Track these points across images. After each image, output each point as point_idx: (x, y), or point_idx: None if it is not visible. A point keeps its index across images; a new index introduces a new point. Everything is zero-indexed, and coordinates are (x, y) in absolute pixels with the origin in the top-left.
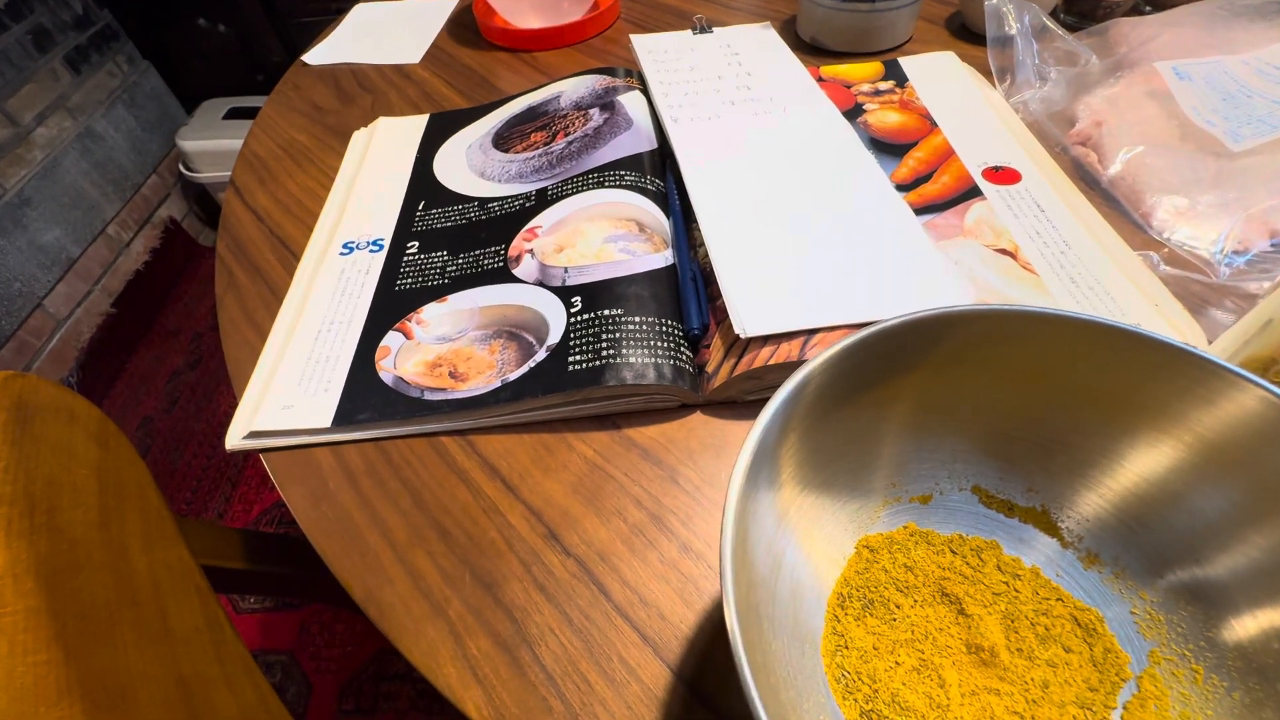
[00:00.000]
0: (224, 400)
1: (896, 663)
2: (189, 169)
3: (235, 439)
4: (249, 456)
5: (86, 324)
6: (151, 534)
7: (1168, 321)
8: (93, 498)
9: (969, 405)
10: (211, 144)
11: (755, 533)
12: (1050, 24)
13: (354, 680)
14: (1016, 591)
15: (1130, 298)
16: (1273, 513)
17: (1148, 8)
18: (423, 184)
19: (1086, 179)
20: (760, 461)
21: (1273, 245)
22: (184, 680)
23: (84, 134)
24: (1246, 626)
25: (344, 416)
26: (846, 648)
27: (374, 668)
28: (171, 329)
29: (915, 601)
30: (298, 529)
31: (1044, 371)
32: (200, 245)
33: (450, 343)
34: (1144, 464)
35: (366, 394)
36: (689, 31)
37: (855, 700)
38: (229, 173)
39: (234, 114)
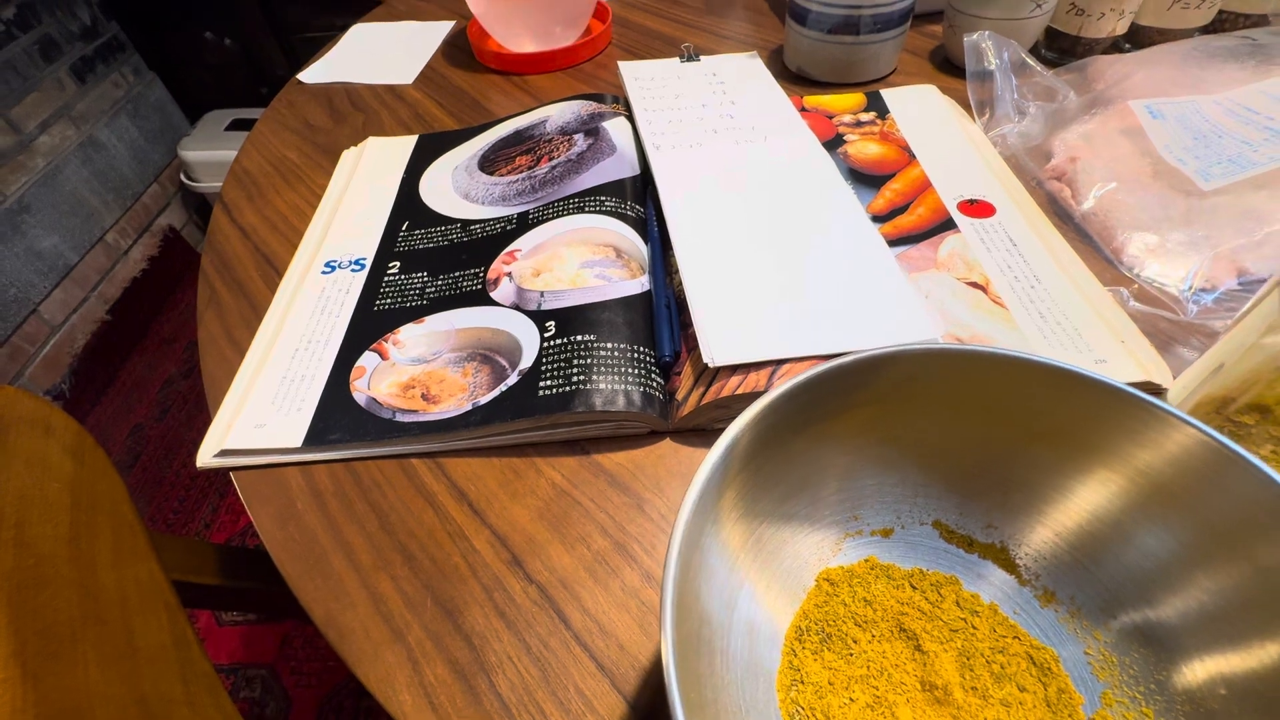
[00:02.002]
0: None
1: (851, 699)
2: (190, 178)
3: (206, 457)
4: None
5: (81, 330)
6: (123, 549)
7: (1133, 358)
8: (64, 512)
9: (929, 441)
10: (213, 154)
11: (707, 569)
12: (1029, 60)
13: (334, 695)
14: (974, 628)
15: (1097, 334)
16: (1215, 555)
17: (1127, 45)
18: (408, 204)
19: (1060, 214)
20: (713, 494)
21: (1240, 284)
22: (145, 700)
23: (86, 142)
24: (1195, 670)
25: (315, 436)
26: (802, 682)
27: (355, 683)
28: (166, 337)
29: (873, 636)
30: None
31: (999, 409)
32: (198, 254)
33: (425, 364)
34: (1096, 503)
35: (339, 414)
36: (677, 59)
37: None
38: None
39: (236, 125)
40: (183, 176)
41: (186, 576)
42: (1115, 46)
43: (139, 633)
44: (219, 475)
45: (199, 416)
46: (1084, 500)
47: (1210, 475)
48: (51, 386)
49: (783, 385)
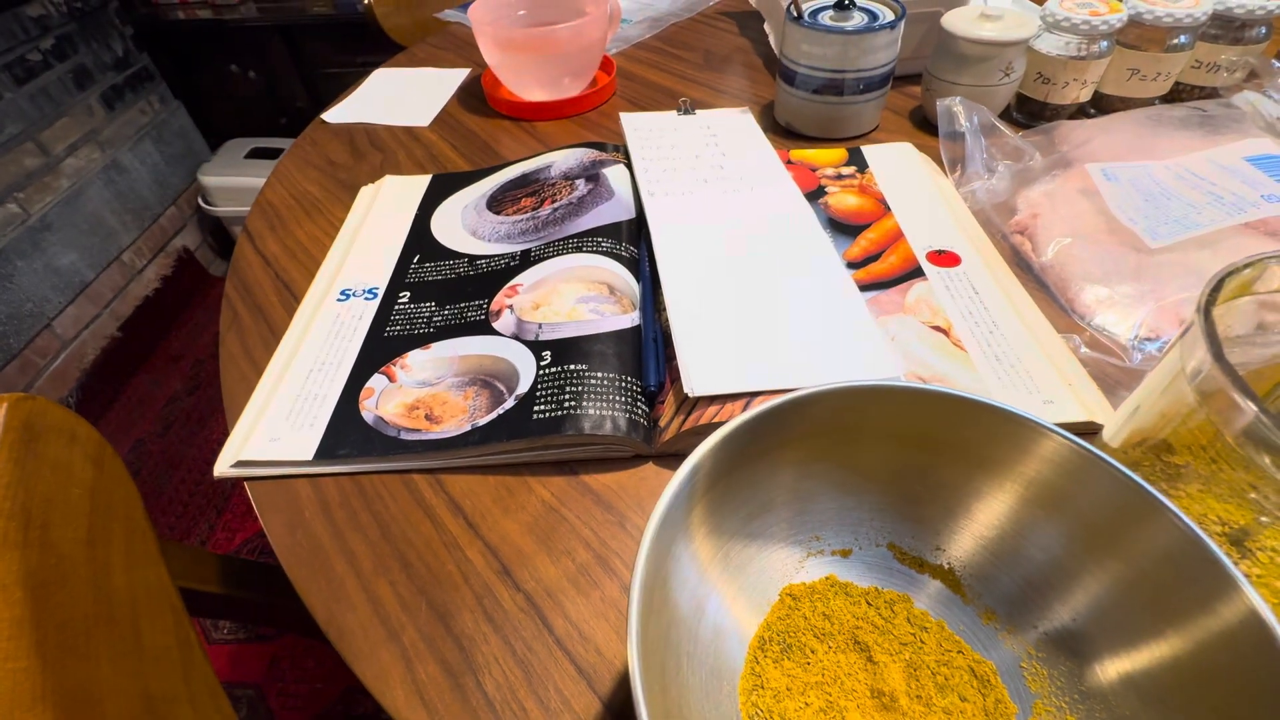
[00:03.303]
0: (218, 427)
1: (806, 703)
2: (207, 203)
3: (223, 467)
4: (236, 485)
5: (92, 346)
6: (135, 553)
7: (1078, 400)
8: (83, 516)
9: (881, 469)
10: (231, 180)
11: (678, 577)
12: (997, 123)
13: (320, 718)
14: (922, 643)
15: (1047, 376)
16: (1111, 568)
17: (1092, 110)
18: (420, 239)
19: (1022, 265)
20: (681, 510)
21: None
22: (150, 696)
23: (110, 165)
24: (1110, 678)
25: (326, 451)
26: (762, 687)
27: (341, 706)
28: (174, 354)
29: (829, 648)
30: (276, 558)
31: (940, 442)
32: (210, 275)
33: (429, 387)
34: (1025, 530)
35: (348, 431)
36: (674, 112)
37: None
38: (245, 208)
39: (255, 154)
40: (200, 200)
41: (190, 584)
42: (1081, 111)
43: (146, 633)
44: (217, 493)
45: (200, 434)
46: (1014, 525)
47: (1131, 510)
48: (58, 400)
49: (743, 415)
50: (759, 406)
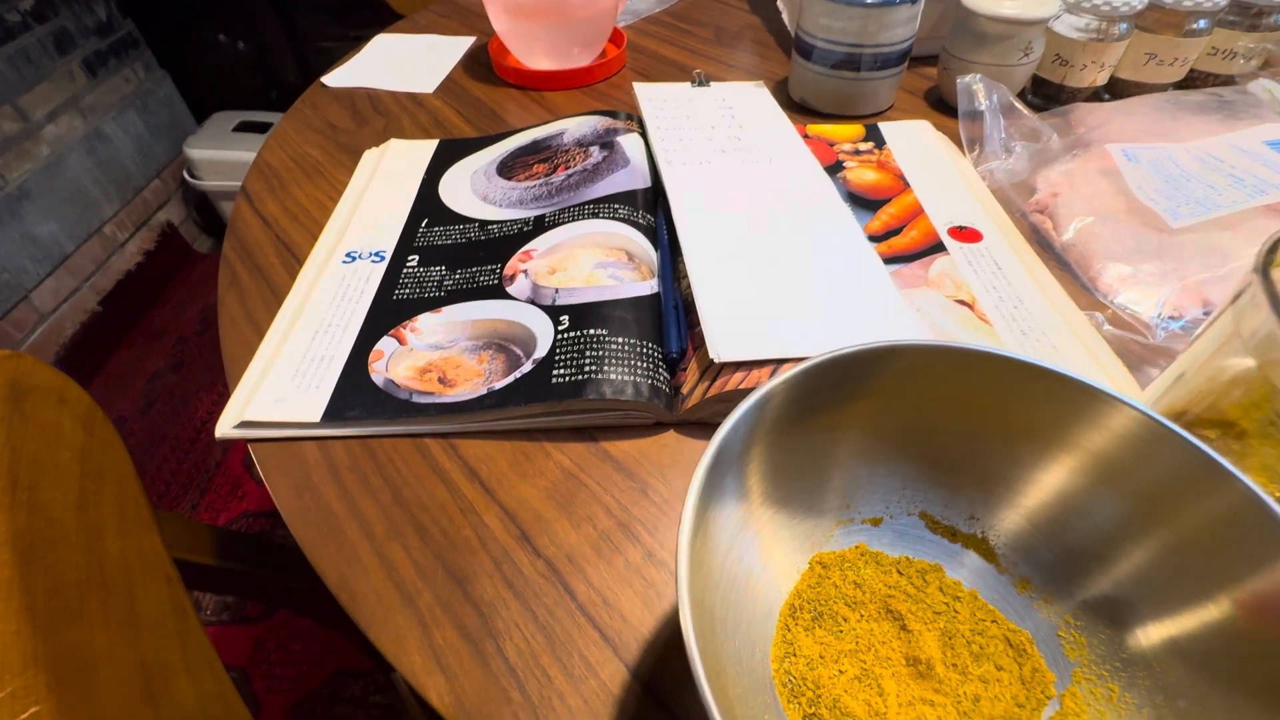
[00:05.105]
0: (201, 405)
1: (840, 671)
2: (193, 176)
3: (225, 428)
4: (220, 464)
5: (71, 320)
6: (128, 520)
7: (1105, 375)
8: (73, 479)
9: (917, 436)
10: (218, 154)
11: (715, 537)
12: (1016, 104)
13: (306, 701)
14: (956, 612)
15: (1073, 351)
16: (1159, 534)
17: (1106, 95)
18: (427, 203)
19: (1042, 243)
20: (722, 468)
21: (1205, 313)
22: (145, 664)
23: (92, 134)
24: (1153, 645)
25: (334, 413)
26: (795, 655)
27: (328, 690)
28: (157, 330)
29: (861, 616)
30: (265, 535)
31: (984, 406)
32: (195, 251)
33: (442, 350)
34: (1067, 495)
35: (357, 393)
36: (688, 84)
37: (799, 704)
38: (232, 182)
39: (243, 127)
40: (185, 174)
41: (184, 554)
42: (1096, 96)
43: (141, 600)
44: (200, 472)
45: (184, 411)
46: (1057, 494)
47: (1189, 477)
48: None
49: (817, 357)
50: (821, 355)
